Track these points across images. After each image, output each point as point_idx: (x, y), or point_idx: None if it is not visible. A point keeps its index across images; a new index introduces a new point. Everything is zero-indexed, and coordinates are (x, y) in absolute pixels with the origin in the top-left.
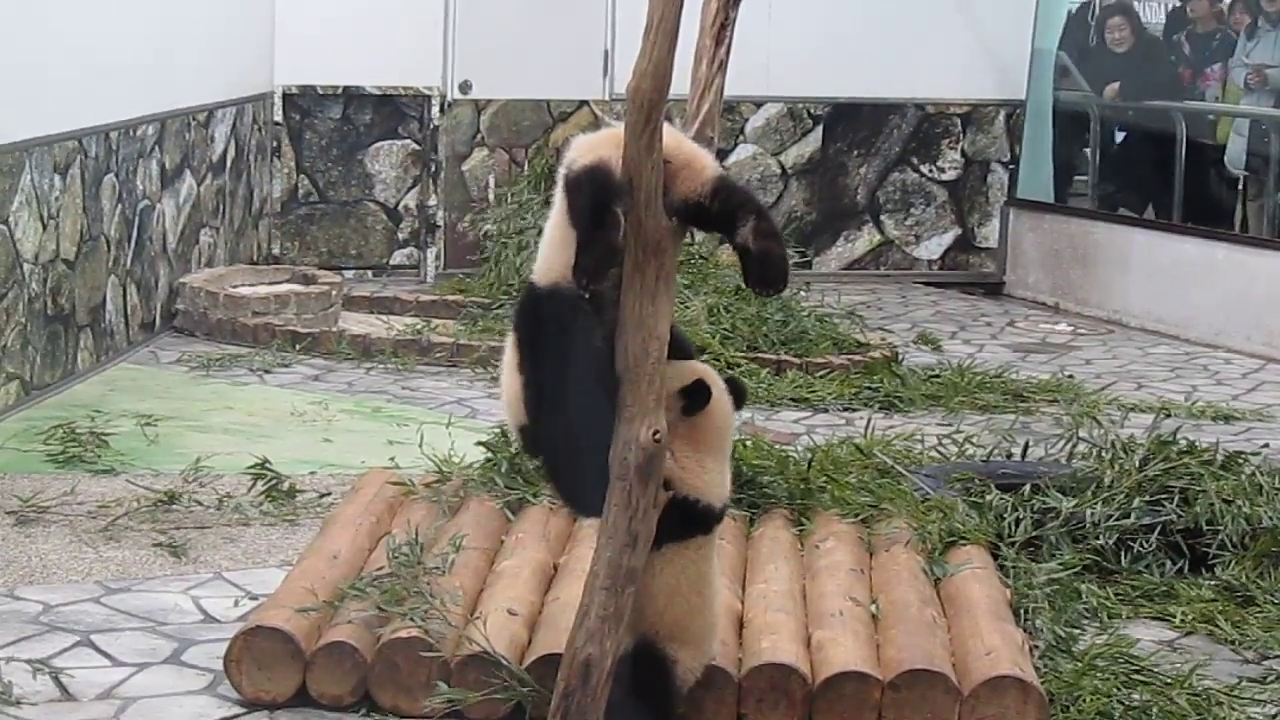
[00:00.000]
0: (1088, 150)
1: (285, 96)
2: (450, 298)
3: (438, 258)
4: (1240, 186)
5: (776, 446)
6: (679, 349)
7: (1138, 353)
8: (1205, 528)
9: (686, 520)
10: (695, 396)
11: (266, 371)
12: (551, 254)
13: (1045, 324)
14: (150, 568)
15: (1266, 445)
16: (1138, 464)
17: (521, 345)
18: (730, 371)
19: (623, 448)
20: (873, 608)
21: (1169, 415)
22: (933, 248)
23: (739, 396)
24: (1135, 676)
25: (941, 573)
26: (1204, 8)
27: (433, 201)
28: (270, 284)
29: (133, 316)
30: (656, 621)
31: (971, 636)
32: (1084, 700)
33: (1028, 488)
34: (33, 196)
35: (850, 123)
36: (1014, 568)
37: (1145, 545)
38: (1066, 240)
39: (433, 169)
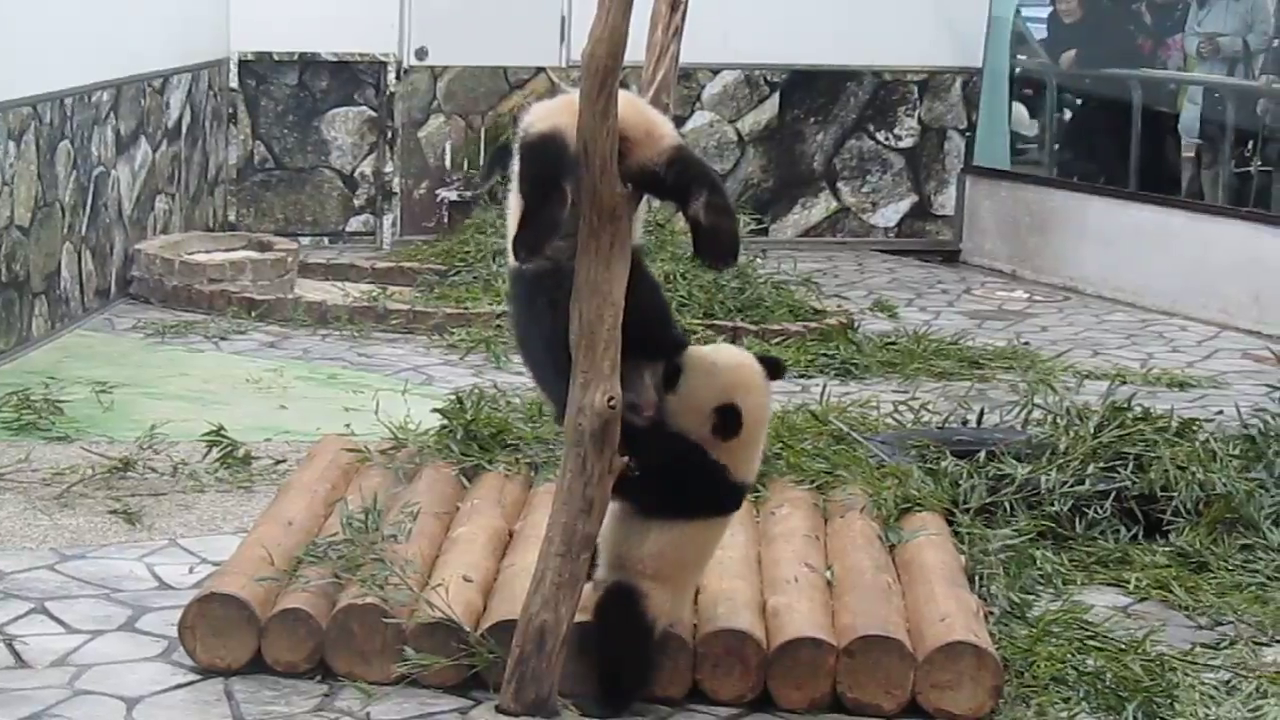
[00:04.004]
0: (1043, 118)
1: (241, 63)
2: (406, 264)
3: (394, 224)
4: (1195, 155)
5: None
6: (660, 319)
7: (1093, 320)
8: (1160, 494)
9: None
10: (728, 423)
11: (222, 338)
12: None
13: (1001, 291)
14: (105, 535)
15: (1221, 412)
16: (1093, 430)
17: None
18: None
19: (577, 413)
20: (827, 574)
21: (1124, 382)
22: (889, 215)
23: (775, 372)
24: (1089, 642)
25: (896, 539)
26: None
27: (389, 168)
28: (226, 251)
29: (88, 283)
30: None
31: (926, 602)
32: (1038, 666)
33: (983, 454)
34: None
35: (807, 90)
36: (969, 534)
37: (1100, 512)
38: (1023, 208)
39: (389, 136)
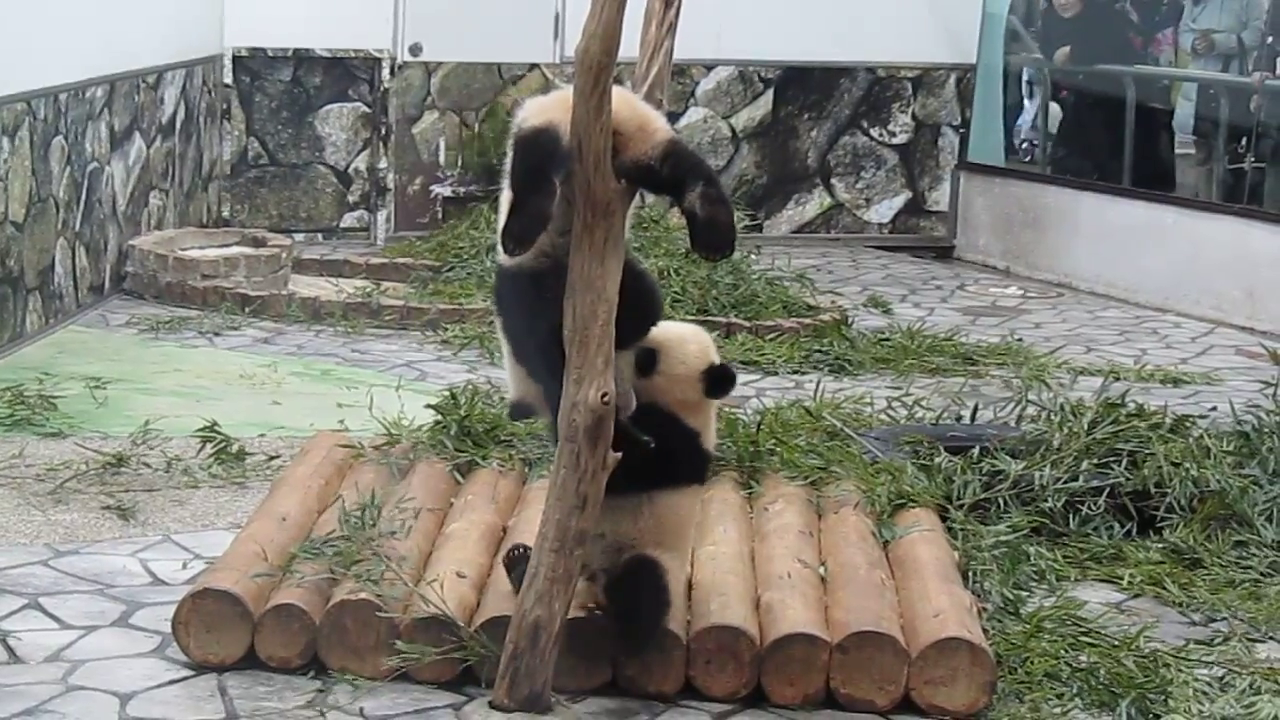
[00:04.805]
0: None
1: (235, 59)
2: (400, 260)
3: (388, 220)
4: (1189, 151)
5: (726, 409)
6: (649, 302)
7: (1087, 316)
8: (1153, 490)
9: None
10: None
11: (216, 334)
12: None
13: (995, 287)
14: (98, 530)
15: (1214, 408)
16: (1086, 427)
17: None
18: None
19: (571, 409)
20: (821, 570)
21: (1118, 378)
22: (883, 211)
23: None
24: (1083, 638)
25: (890, 535)
26: None
27: (383, 164)
28: (220, 247)
29: (82, 279)
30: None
31: (920, 599)
32: (1032, 662)
33: (976, 450)
34: None
35: (801, 86)
36: (962, 530)
37: (1093, 508)
38: (1016, 204)
39: (383, 132)
